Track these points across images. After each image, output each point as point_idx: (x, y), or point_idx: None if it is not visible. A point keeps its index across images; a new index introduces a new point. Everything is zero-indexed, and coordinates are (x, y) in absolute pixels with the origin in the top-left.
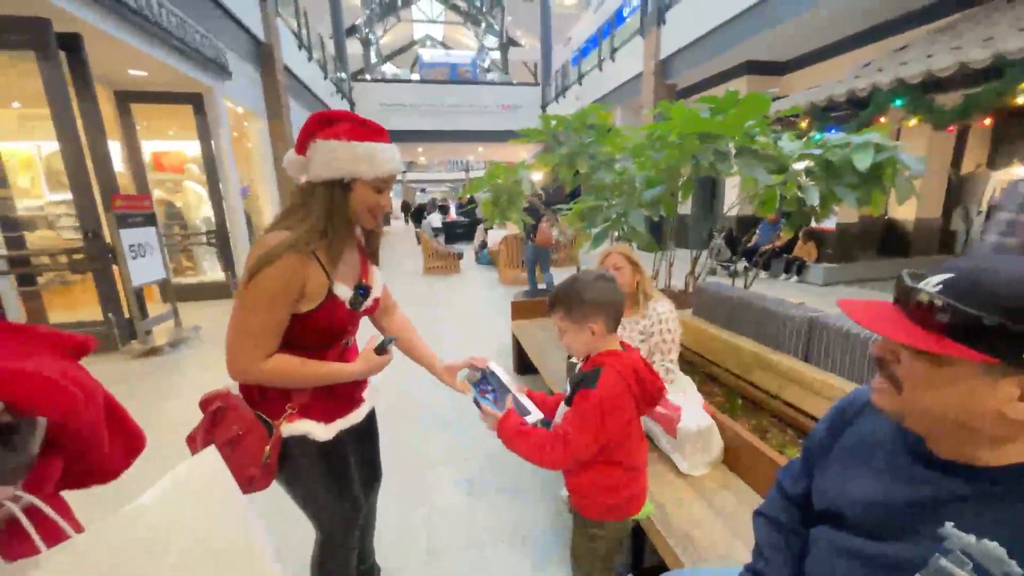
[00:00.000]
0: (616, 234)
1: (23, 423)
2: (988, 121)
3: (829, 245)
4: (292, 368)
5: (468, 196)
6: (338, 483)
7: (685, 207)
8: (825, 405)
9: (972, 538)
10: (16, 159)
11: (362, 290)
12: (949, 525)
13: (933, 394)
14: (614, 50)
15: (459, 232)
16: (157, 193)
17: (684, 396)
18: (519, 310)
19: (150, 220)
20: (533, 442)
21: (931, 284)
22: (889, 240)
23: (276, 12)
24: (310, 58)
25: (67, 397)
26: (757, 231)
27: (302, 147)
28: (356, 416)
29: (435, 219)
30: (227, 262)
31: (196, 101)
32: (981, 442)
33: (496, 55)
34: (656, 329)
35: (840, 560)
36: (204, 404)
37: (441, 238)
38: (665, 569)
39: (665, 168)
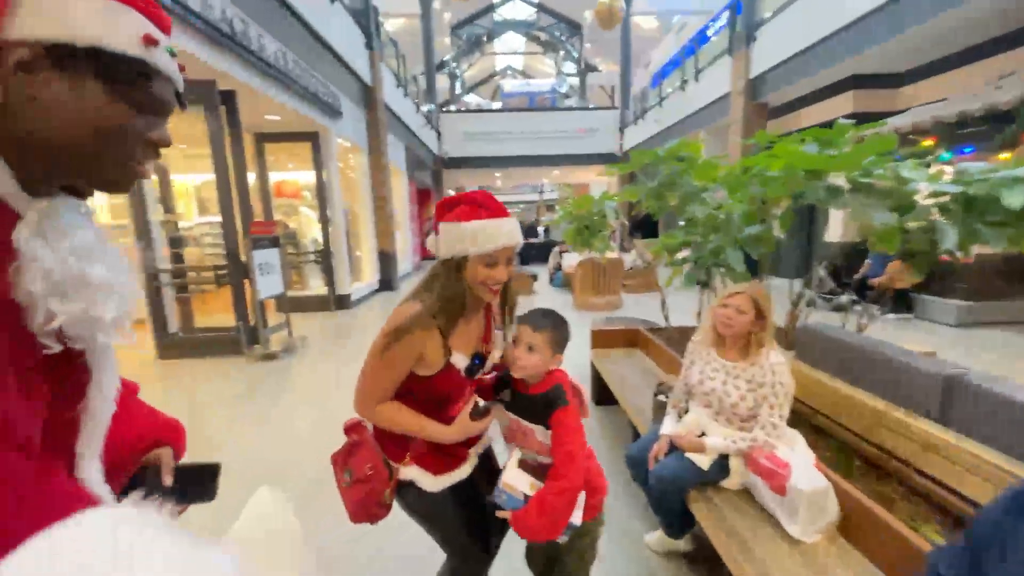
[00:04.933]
0: (707, 271)
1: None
2: None
3: (964, 279)
4: (396, 417)
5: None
6: (455, 528)
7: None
8: (974, 482)
9: None
10: (177, 189)
11: (478, 359)
12: None
13: None
14: (698, 71)
15: (533, 253)
16: (277, 216)
17: (792, 452)
18: (600, 339)
19: (275, 243)
20: (558, 498)
21: None
22: None
23: (380, 57)
24: (405, 94)
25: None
26: (868, 261)
27: (436, 229)
28: (461, 473)
29: None
30: (329, 278)
31: (313, 139)
32: None
33: (574, 81)
34: (768, 381)
35: None
36: (347, 430)
37: (516, 259)
38: None
39: (763, 201)
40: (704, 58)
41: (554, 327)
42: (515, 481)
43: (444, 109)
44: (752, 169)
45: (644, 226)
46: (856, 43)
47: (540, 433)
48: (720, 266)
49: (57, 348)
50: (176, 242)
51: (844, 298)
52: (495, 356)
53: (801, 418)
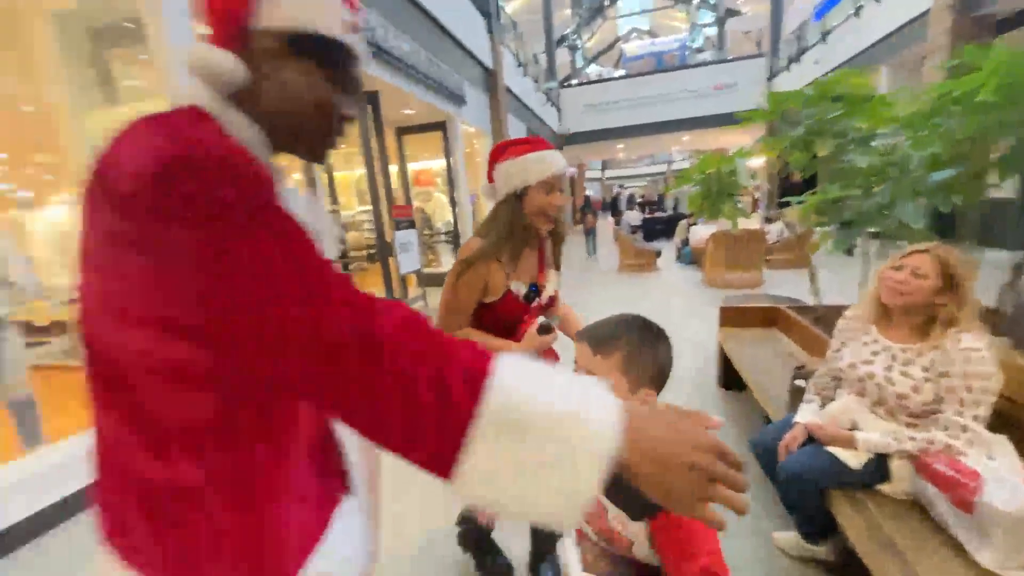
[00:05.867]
0: (869, 231)
1: None
2: None
3: None
4: (471, 337)
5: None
6: None
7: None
8: None
9: None
10: (342, 183)
11: (533, 287)
12: None
13: None
14: None
15: (659, 229)
16: (415, 203)
17: (991, 461)
18: (730, 317)
19: (411, 224)
20: None
21: None
22: None
23: (501, 40)
24: (525, 74)
25: None
26: None
27: (491, 176)
28: None
29: (633, 216)
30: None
31: (442, 127)
32: None
33: (711, 32)
34: (958, 370)
35: None
36: None
37: (639, 235)
38: None
39: (965, 139)
40: None
41: (634, 343)
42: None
43: (564, 84)
44: (949, 94)
45: (797, 191)
46: None
47: (611, 516)
48: (886, 235)
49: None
50: (340, 228)
51: None
52: (549, 289)
53: (1008, 420)
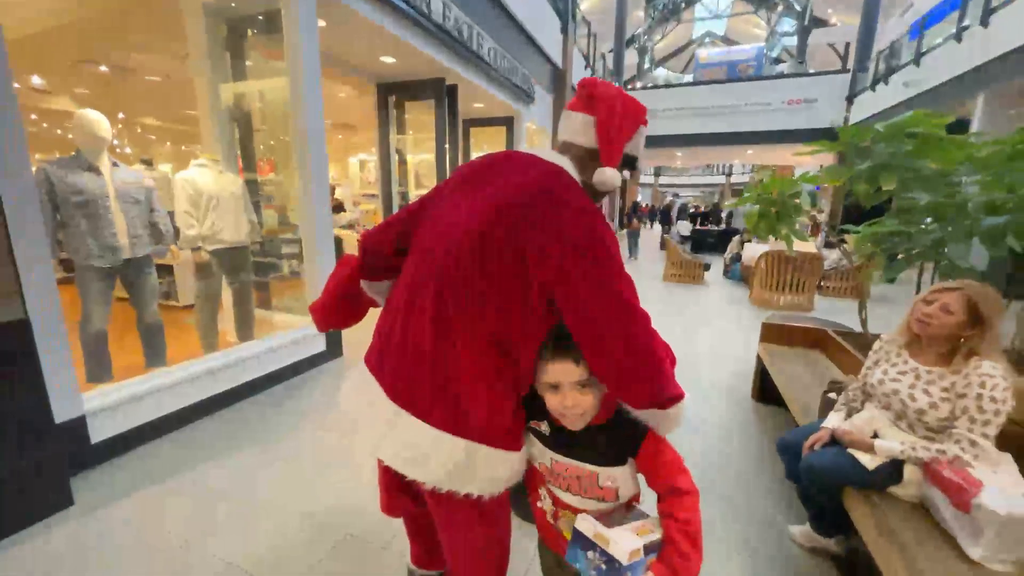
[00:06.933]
0: (924, 266)
1: None
2: None
3: None
4: None
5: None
6: None
7: None
8: None
9: None
10: (418, 165)
11: None
12: None
13: None
14: (991, 10)
15: (710, 242)
16: None
17: (994, 474)
18: (772, 333)
19: None
20: (697, 513)
21: None
22: None
23: (573, 40)
24: (592, 74)
25: None
26: None
27: None
28: None
29: (684, 227)
30: None
31: (509, 123)
32: None
33: (790, 42)
34: (973, 392)
35: None
36: None
37: (687, 246)
38: None
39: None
40: None
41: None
42: (629, 542)
43: (628, 87)
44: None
45: (861, 219)
46: None
47: (603, 478)
48: (941, 272)
49: None
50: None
51: None
52: None
53: (1016, 442)
